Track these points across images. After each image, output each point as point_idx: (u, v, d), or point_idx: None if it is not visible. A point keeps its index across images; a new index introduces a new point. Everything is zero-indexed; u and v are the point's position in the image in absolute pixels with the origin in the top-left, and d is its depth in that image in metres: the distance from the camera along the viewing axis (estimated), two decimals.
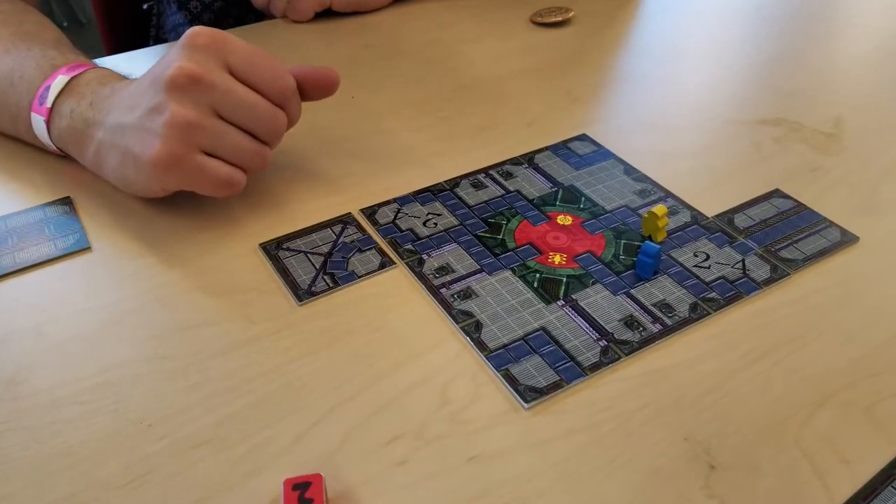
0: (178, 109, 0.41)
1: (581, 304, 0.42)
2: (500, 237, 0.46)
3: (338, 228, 0.47)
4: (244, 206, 0.49)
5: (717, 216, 0.49)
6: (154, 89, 0.42)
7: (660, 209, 0.45)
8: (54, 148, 0.49)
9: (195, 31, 0.42)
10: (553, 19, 0.73)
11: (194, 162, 0.42)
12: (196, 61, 0.41)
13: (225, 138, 0.43)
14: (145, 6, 0.89)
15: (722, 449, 0.35)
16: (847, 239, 0.47)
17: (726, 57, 0.69)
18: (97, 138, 0.45)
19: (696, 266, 0.45)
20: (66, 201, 0.48)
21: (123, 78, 0.48)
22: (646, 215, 0.46)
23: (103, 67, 0.49)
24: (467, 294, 0.42)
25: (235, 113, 0.43)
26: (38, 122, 0.47)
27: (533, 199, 0.50)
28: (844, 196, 0.51)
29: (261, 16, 0.79)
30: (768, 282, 0.44)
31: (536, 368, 0.38)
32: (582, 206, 0.49)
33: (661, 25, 0.74)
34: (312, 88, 0.47)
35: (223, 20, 0.83)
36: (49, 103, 0.46)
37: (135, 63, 0.66)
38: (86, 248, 0.45)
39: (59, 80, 0.46)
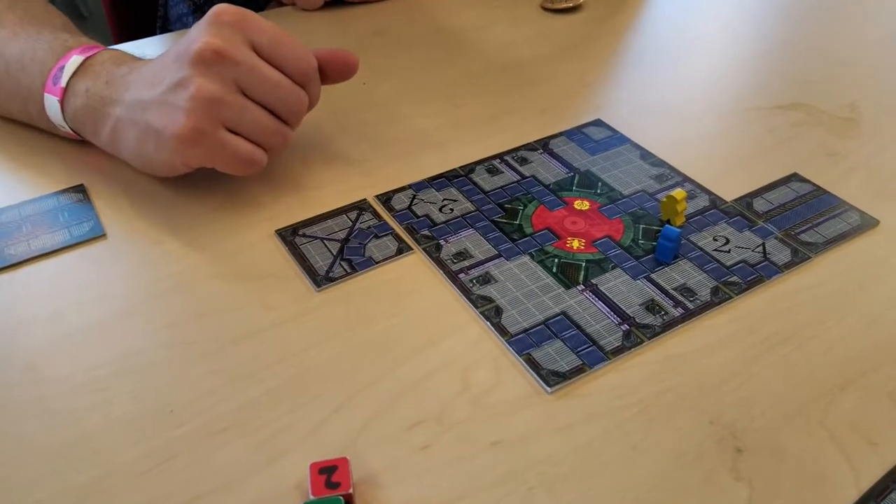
0: (203, 84, 0.41)
1: (601, 288, 0.42)
2: (517, 222, 0.46)
3: (353, 215, 0.47)
4: (259, 192, 0.48)
5: (736, 200, 0.48)
6: (178, 64, 0.42)
7: (679, 193, 0.45)
8: (67, 130, 0.48)
9: (221, 8, 0.42)
10: (564, 5, 0.72)
11: (217, 137, 0.42)
12: (222, 37, 0.41)
13: (248, 115, 0.43)
14: None
15: (748, 432, 0.35)
16: (867, 223, 0.47)
17: (738, 41, 0.69)
18: (114, 116, 0.45)
19: (716, 250, 0.44)
20: (80, 189, 0.48)
21: (138, 59, 0.48)
22: (664, 200, 0.46)
23: (116, 49, 0.49)
24: (486, 279, 0.42)
25: (259, 90, 0.43)
26: (51, 102, 0.47)
27: (549, 185, 0.49)
28: (862, 180, 0.51)
29: (261, 8, 0.78)
30: (789, 265, 0.43)
31: (558, 353, 0.38)
32: (599, 191, 0.49)
33: (672, 10, 0.74)
34: (332, 71, 0.47)
35: None
36: (63, 83, 0.46)
37: (143, 50, 0.65)
38: (101, 236, 0.45)
39: (74, 60, 0.46)
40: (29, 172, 0.50)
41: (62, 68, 0.46)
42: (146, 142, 0.44)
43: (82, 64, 0.46)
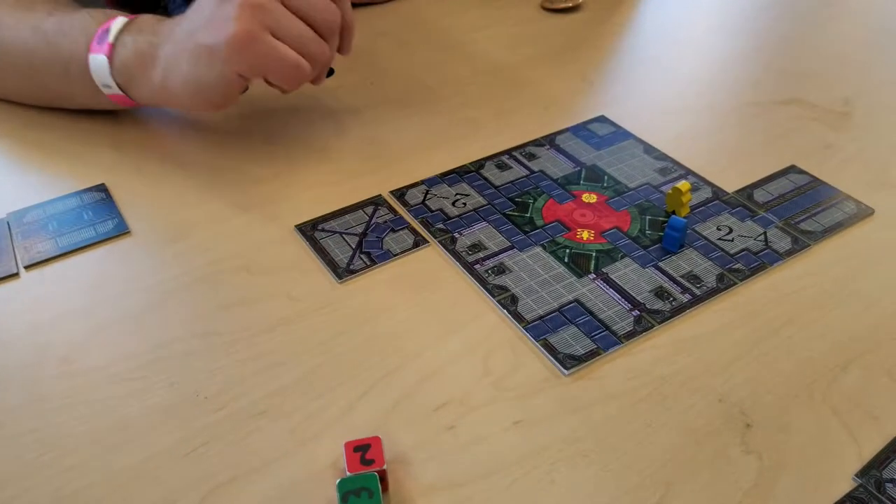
0: None
1: (612, 276, 0.43)
2: (528, 215, 0.48)
3: (370, 210, 0.48)
4: (276, 190, 0.50)
5: (737, 192, 0.50)
6: None
7: (683, 185, 0.47)
8: (112, 89, 0.50)
9: None
10: (563, 5, 0.74)
11: (266, 41, 0.45)
12: None
13: (290, 22, 0.46)
14: None
15: (756, 408, 0.36)
16: (862, 212, 0.49)
17: (734, 38, 0.71)
18: (163, 55, 0.47)
19: (719, 239, 0.46)
20: (101, 188, 0.49)
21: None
22: (670, 192, 0.48)
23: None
24: (501, 269, 0.44)
25: (296, 2, 0.46)
26: (98, 61, 0.49)
27: (557, 179, 0.51)
28: (858, 171, 0.53)
29: None
30: (790, 253, 0.45)
31: (573, 338, 0.39)
32: (605, 184, 0.51)
33: (668, 8, 0.76)
34: None
35: None
36: (111, 39, 0.48)
37: None
38: (125, 233, 0.46)
39: (119, 20, 0.49)
40: (48, 173, 0.51)
41: (107, 30, 0.48)
42: (198, 64, 0.46)
43: (126, 23, 0.49)
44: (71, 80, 0.51)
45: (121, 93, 0.50)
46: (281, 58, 0.46)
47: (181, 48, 0.46)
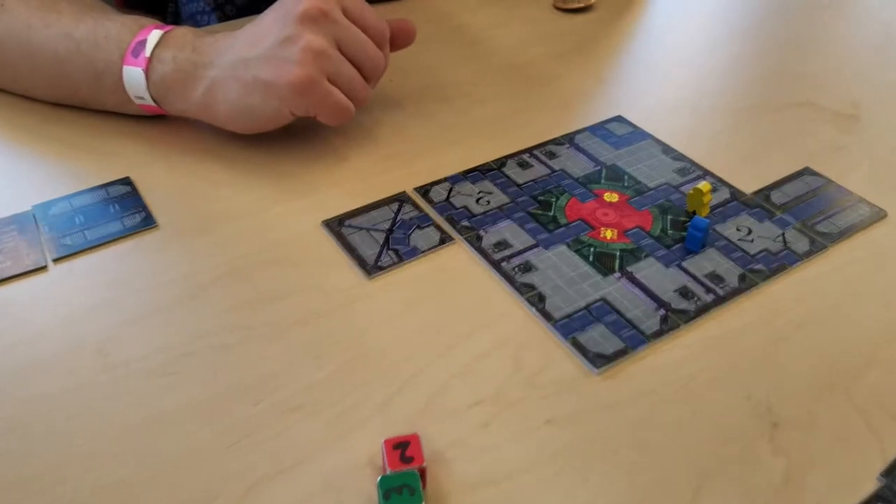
0: (312, 38, 0.46)
1: (636, 276, 0.44)
2: (552, 214, 0.48)
3: (395, 206, 0.48)
4: (301, 185, 0.50)
5: (755, 193, 0.51)
6: (283, 23, 0.46)
7: (704, 186, 0.48)
8: (145, 101, 0.50)
9: None
10: (576, 5, 0.74)
11: (324, 87, 0.47)
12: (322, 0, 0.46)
13: (344, 68, 0.48)
14: None
15: (782, 407, 0.37)
16: (875, 214, 0.50)
17: (744, 39, 0.72)
18: (209, 77, 0.48)
19: (740, 240, 0.47)
20: (127, 181, 0.49)
21: (210, 34, 0.50)
22: (691, 192, 0.48)
23: (185, 27, 0.51)
24: (527, 267, 0.44)
25: (350, 48, 0.48)
26: (133, 74, 0.49)
27: (578, 178, 0.52)
28: (868, 174, 0.54)
29: None
30: (808, 254, 0.46)
31: (602, 336, 0.40)
32: (626, 183, 0.51)
33: (680, 9, 0.76)
34: (397, 36, 0.53)
35: (244, 15, 0.84)
36: (148, 53, 0.48)
37: None
38: (153, 226, 0.46)
39: (155, 34, 0.49)
40: (71, 166, 0.51)
41: (142, 42, 0.48)
42: (251, 95, 0.47)
43: (162, 37, 0.49)
44: (102, 89, 0.51)
45: (153, 104, 0.50)
46: (335, 103, 0.48)
47: (234, 76, 0.47)
